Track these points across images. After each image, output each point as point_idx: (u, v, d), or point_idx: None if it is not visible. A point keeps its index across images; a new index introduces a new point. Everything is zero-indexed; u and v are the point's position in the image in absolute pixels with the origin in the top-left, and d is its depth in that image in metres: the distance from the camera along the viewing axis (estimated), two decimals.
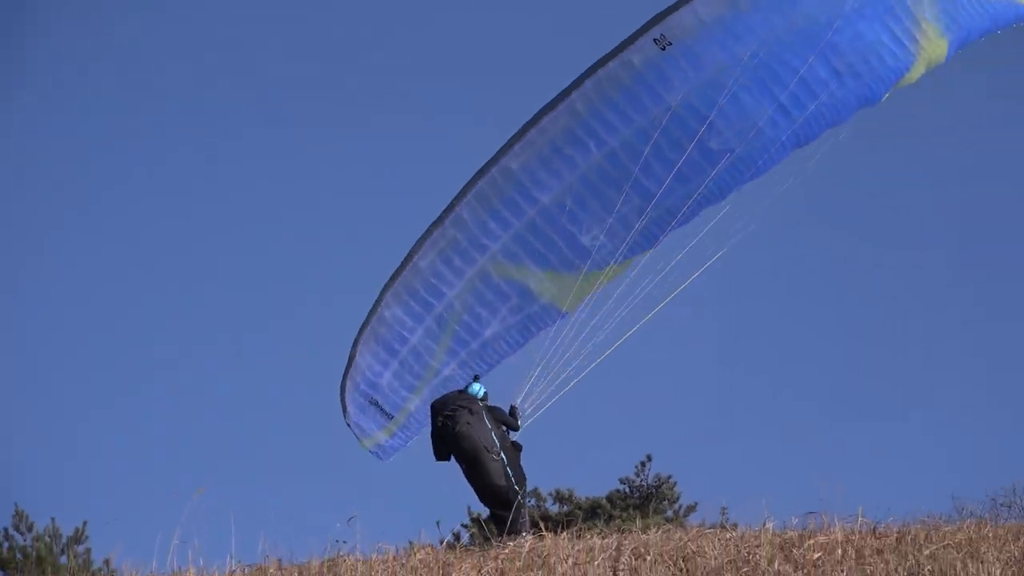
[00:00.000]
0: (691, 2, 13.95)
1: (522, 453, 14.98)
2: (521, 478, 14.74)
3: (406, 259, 15.16)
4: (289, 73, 71.77)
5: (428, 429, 14.75)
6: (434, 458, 14.77)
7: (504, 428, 14.89)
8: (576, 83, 14.45)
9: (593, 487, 23.52)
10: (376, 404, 15.57)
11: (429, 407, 14.73)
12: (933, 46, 14.35)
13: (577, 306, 14.88)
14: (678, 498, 23.44)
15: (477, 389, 14.92)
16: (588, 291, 14.88)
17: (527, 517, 14.81)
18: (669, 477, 23.40)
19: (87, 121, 74.68)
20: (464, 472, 14.59)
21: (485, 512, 17.67)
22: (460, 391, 14.72)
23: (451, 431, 14.31)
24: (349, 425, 15.59)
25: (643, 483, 23.54)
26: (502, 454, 14.41)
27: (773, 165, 14.43)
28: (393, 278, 15.23)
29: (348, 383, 15.57)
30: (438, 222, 15.07)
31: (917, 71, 14.35)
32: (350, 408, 15.56)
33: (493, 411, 14.82)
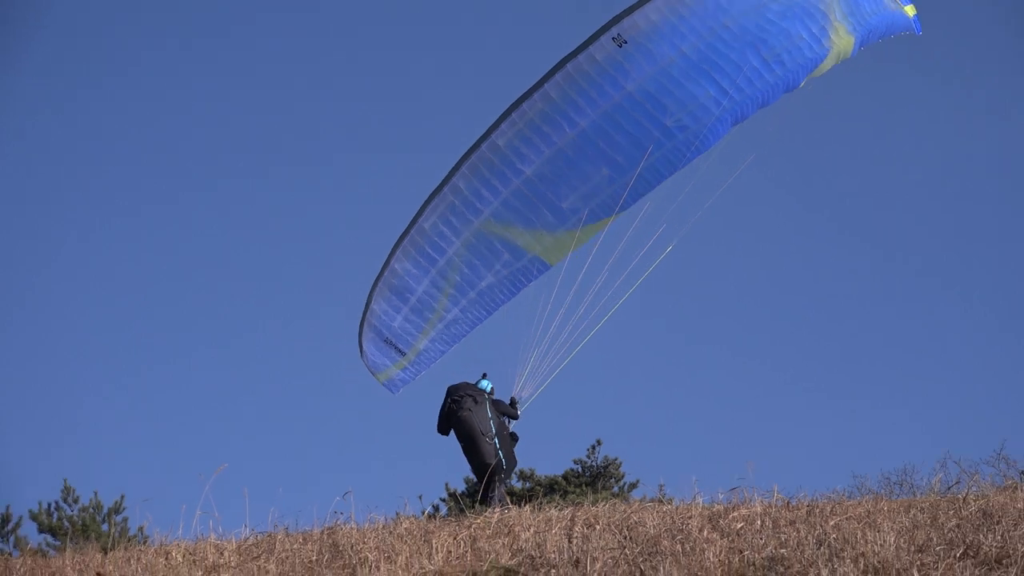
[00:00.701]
0: (642, 7, 15.80)
1: (517, 443, 16.93)
2: (511, 462, 16.72)
3: (412, 221, 17.01)
4: (289, 69, 72.41)
5: (433, 366, 16.91)
6: (437, 431, 16.85)
7: (504, 418, 16.79)
8: (549, 74, 16.26)
9: (551, 467, 24.93)
10: (390, 343, 17.33)
11: (437, 347, 16.98)
12: (843, 42, 16.21)
13: (560, 260, 16.76)
14: (623, 476, 24.99)
15: (485, 384, 16.91)
16: (569, 247, 16.69)
17: (503, 493, 16.56)
18: (616, 459, 25.04)
19: (89, 120, 74.65)
20: (462, 448, 16.61)
21: (461, 488, 19.94)
22: (471, 383, 16.75)
23: (455, 414, 16.43)
24: (365, 363, 17.44)
25: (593, 463, 25.15)
26: (495, 439, 16.34)
27: (717, 140, 16.15)
28: (401, 237, 17.16)
29: (365, 326, 17.44)
30: (438, 190, 16.88)
31: (829, 62, 16.29)
32: (367, 348, 17.46)
33: (497, 404, 16.77)
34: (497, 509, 14.96)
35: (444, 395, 16.74)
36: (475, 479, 17.75)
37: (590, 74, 16.18)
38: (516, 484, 22.77)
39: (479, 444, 16.34)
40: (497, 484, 16.52)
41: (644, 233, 16.78)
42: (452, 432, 16.68)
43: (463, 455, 16.62)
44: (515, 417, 17.02)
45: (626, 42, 15.91)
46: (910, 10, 16.96)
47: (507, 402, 17.15)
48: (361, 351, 17.57)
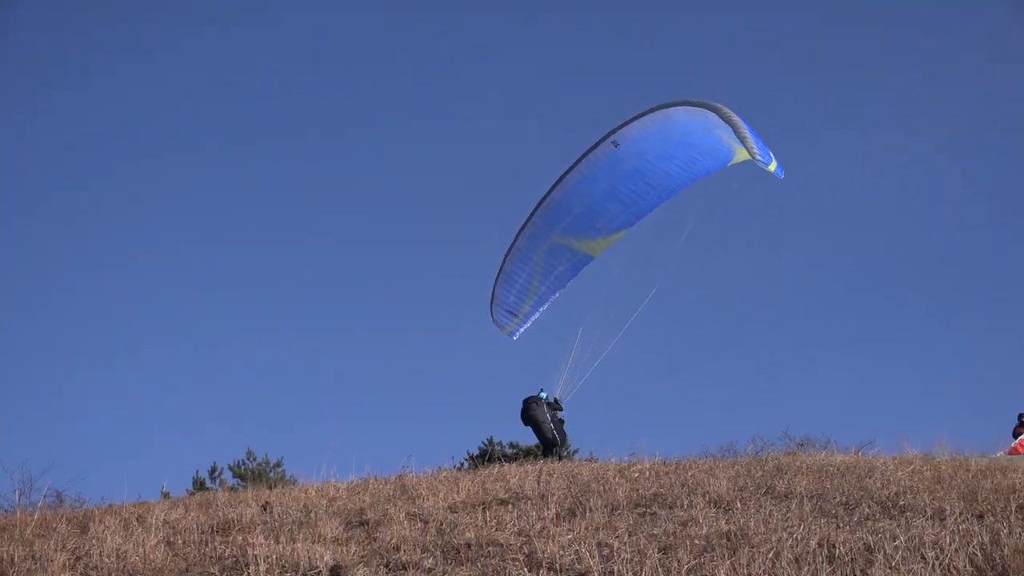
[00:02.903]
0: (629, 125, 23.84)
1: (565, 424, 25.57)
2: (563, 436, 25.33)
3: (512, 243, 25.93)
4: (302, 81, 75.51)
5: (536, 316, 25.88)
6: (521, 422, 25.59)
7: (554, 412, 25.27)
8: (578, 160, 24.82)
9: (529, 440, 30.94)
10: (506, 309, 26.01)
11: (533, 310, 25.95)
12: (742, 153, 23.34)
13: (599, 253, 25.28)
14: (569, 446, 29.56)
15: (542, 394, 25.48)
16: (603, 247, 25.19)
17: (562, 452, 25.09)
18: (564, 436, 29.61)
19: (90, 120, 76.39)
20: (532, 431, 25.48)
21: (475, 452, 27.73)
22: (534, 395, 25.57)
23: (526, 412, 25.32)
24: (496, 323, 26.20)
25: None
26: (551, 425, 24.91)
27: (676, 193, 24.22)
28: (508, 251, 26.05)
29: (494, 303, 26.19)
30: (526, 223, 25.71)
31: (738, 159, 23.71)
32: (496, 312, 26.16)
33: (550, 404, 25.34)
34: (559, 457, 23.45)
35: (521, 404, 25.78)
36: (538, 445, 26.48)
37: (601, 159, 24.34)
38: (508, 450, 29.64)
39: (542, 428, 25.17)
40: (555, 450, 24.87)
41: (632, 288, 24.79)
42: (528, 423, 25.74)
43: (534, 435, 25.65)
44: (560, 409, 25.36)
45: (618, 144, 24.07)
46: (772, 167, 23.68)
47: (554, 402, 25.66)
48: (493, 318, 26.16)
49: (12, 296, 70.81)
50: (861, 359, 69.77)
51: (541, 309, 25.91)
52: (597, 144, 24.74)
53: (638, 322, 24.30)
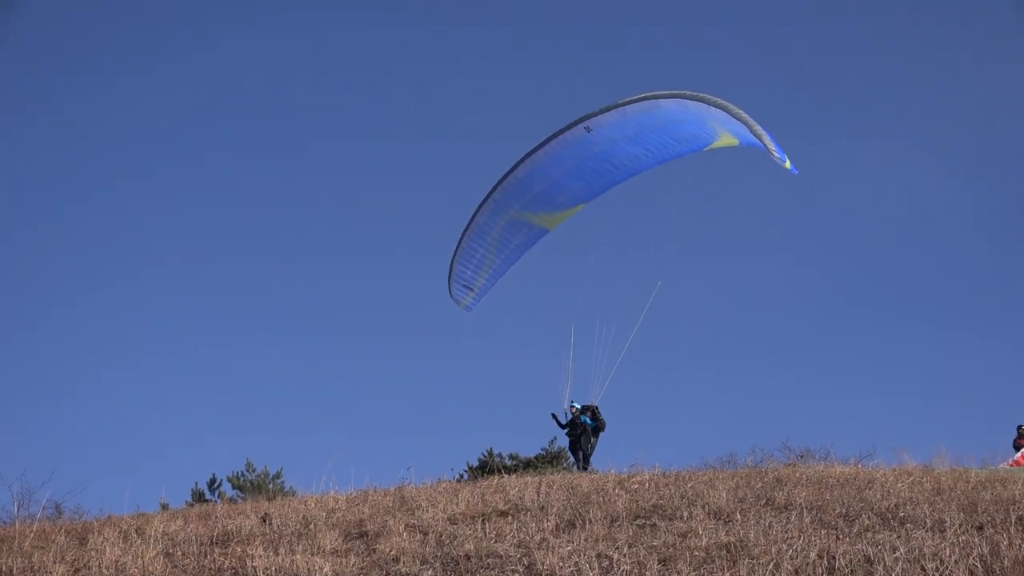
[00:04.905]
0: (607, 112, 24.27)
1: (598, 438, 26.72)
2: (592, 447, 26.41)
3: (471, 218, 26.81)
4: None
5: (491, 288, 26.91)
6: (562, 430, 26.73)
7: (594, 426, 26.29)
8: (544, 142, 25.42)
9: (528, 451, 31.71)
10: (463, 284, 26.73)
11: (488, 284, 27.07)
12: (726, 140, 23.90)
13: (554, 227, 26.35)
14: (568, 458, 30.34)
15: (583, 418, 26.20)
16: (560, 221, 26.21)
17: (587, 467, 25.63)
18: (563, 447, 30.62)
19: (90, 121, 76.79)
20: (571, 444, 26.53)
21: (475, 463, 27.93)
22: (579, 422, 26.54)
23: (577, 435, 26.15)
24: (453, 298, 26.89)
25: (552, 450, 31.32)
26: (591, 438, 25.95)
27: (639, 173, 25.13)
28: (466, 228, 26.55)
29: (451, 278, 26.83)
30: (485, 199, 26.52)
31: (718, 144, 24.26)
32: (453, 287, 26.83)
33: (592, 410, 26.23)
34: (586, 471, 23.79)
35: (568, 414, 26.66)
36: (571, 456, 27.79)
37: (570, 142, 24.93)
38: (508, 462, 29.66)
39: (581, 443, 26.16)
40: (587, 461, 25.81)
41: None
42: (567, 432, 26.69)
43: (570, 446, 26.78)
44: (597, 424, 26.48)
45: (591, 129, 24.54)
46: (787, 164, 23.51)
47: (593, 409, 26.39)
48: (450, 292, 26.94)
49: (10, 307, 70.97)
50: (860, 370, 70.02)
51: (496, 282, 26.89)
52: (568, 127, 25.13)
53: (637, 330, 24.31)
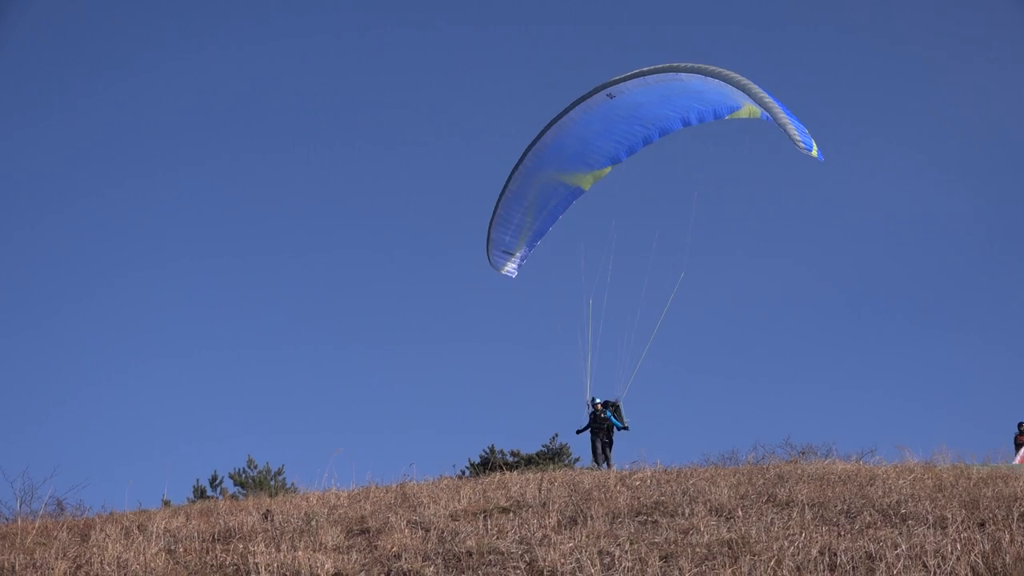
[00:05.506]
0: (628, 81, 24.57)
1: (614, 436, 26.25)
2: (611, 443, 25.93)
3: (504, 188, 26.48)
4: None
5: (530, 253, 26.66)
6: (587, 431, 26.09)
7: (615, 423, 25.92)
8: (568, 108, 25.57)
9: (530, 448, 31.84)
10: (502, 250, 26.69)
11: (527, 248, 26.82)
12: (749, 110, 23.85)
13: (590, 186, 26.05)
14: (570, 454, 31.20)
15: (607, 413, 25.82)
16: (593, 181, 25.91)
17: (610, 463, 25.33)
18: (565, 443, 31.59)
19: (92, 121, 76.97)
20: (592, 441, 25.84)
21: (476, 459, 27.87)
22: (603, 417, 26.12)
23: (593, 421, 25.65)
24: (492, 265, 26.88)
25: (553, 446, 31.50)
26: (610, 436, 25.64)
27: (670, 131, 24.82)
28: (500, 195, 26.64)
29: (490, 244, 26.88)
30: (517, 167, 26.61)
31: (741, 114, 24.19)
32: (492, 255, 26.88)
33: (615, 406, 25.72)
34: (609, 468, 23.58)
35: (593, 412, 26.31)
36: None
37: (593, 106, 25.15)
38: (510, 459, 29.72)
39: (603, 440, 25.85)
40: (607, 457, 25.57)
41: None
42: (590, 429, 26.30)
43: (593, 441, 26.25)
44: (621, 424, 26.11)
45: (612, 96, 24.72)
46: (814, 152, 23.35)
47: (615, 404, 26.06)
48: (489, 260, 26.97)
49: (13, 305, 71.06)
50: (862, 368, 70.14)
51: (536, 244, 26.81)
52: (590, 94, 25.31)
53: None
